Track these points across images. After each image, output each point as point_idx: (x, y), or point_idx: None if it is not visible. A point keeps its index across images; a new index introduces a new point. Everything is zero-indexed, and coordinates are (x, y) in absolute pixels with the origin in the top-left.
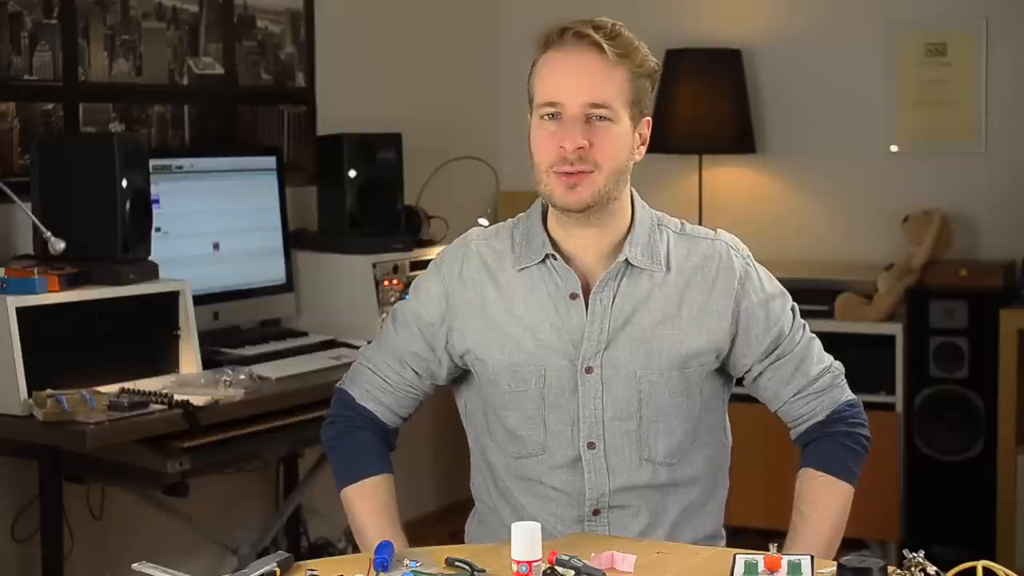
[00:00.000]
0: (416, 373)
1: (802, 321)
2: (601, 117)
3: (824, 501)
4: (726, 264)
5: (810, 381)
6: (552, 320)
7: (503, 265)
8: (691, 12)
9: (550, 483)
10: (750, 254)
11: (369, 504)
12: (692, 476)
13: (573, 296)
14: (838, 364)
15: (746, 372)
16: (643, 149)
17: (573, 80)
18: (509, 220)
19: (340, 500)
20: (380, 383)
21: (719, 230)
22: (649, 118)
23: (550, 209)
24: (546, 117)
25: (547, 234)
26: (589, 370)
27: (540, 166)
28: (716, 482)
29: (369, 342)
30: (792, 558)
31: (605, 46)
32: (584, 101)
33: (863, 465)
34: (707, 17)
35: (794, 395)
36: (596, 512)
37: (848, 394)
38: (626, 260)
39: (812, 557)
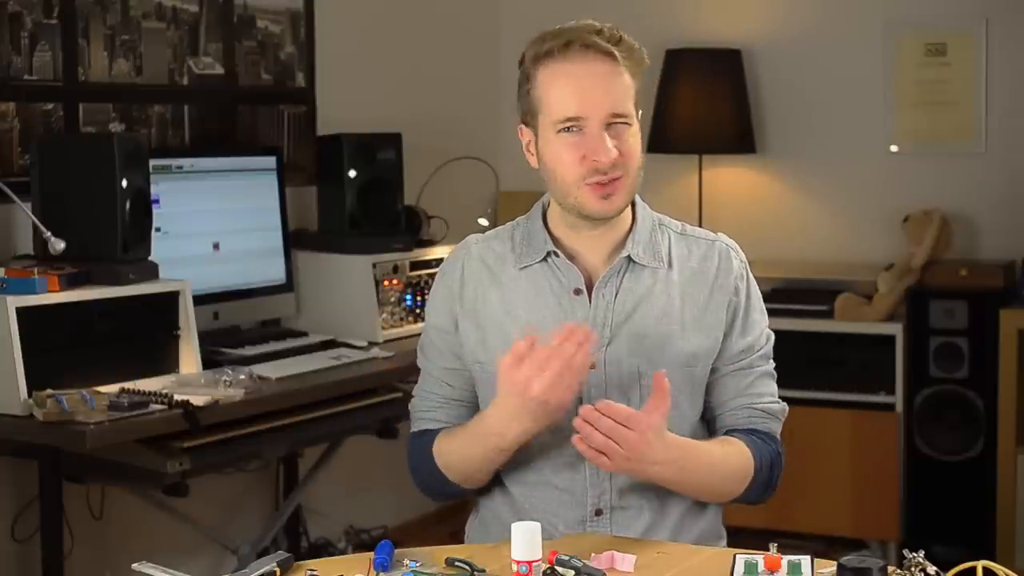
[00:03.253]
0: (451, 386)
1: (770, 353)
2: (621, 123)
3: (734, 461)
4: (725, 264)
5: (760, 399)
6: (556, 316)
7: (505, 266)
8: (691, 12)
9: (553, 483)
10: (746, 259)
11: (446, 447)
12: None
13: (577, 292)
14: (786, 405)
15: (711, 370)
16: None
17: (593, 93)
18: (508, 223)
19: (341, 500)
20: (428, 406)
21: (719, 233)
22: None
23: (552, 209)
24: (564, 131)
25: (548, 233)
26: (592, 366)
27: (567, 179)
28: None
29: (370, 343)
30: (792, 558)
31: (616, 53)
32: (606, 112)
33: (755, 494)
34: (707, 17)
35: (740, 406)
36: (598, 512)
37: (778, 434)
38: (628, 256)
39: (812, 557)
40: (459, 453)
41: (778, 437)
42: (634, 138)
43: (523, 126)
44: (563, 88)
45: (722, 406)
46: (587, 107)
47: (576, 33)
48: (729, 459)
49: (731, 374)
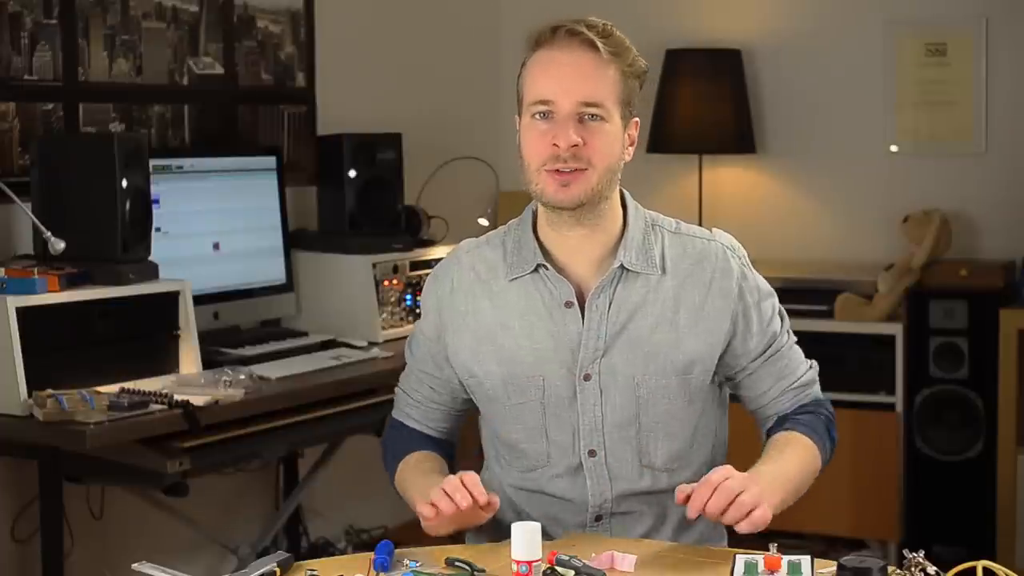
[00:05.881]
0: (432, 389)
1: (786, 318)
2: (593, 116)
3: (811, 465)
4: (723, 266)
5: (797, 377)
6: (548, 329)
7: (496, 275)
8: (691, 12)
9: (552, 492)
10: (745, 253)
11: (402, 469)
12: (692, 481)
13: (568, 304)
14: (815, 362)
15: (738, 371)
16: (632, 150)
17: (566, 79)
18: (501, 228)
19: (341, 500)
20: (408, 400)
21: (715, 229)
22: (638, 119)
23: (540, 213)
24: (537, 116)
25: (538, 242)
26: (587, 377)
27: (531, 165)
28: None
29: (370, 343)
30: (792, 558)
31: (599, 43)
32: (577, 99)
33: (826, 459)
34: (707, 17)
35: (782, 391)
36: (598, 518)
37: (821, 393)
38: (621, 265)
39: (812, 557)
40: (403, 493)
41: (821, 396)
42: (608, 136)
43: (517, 116)
44: (541, 72)
45: (764, 396)
46: (558, 91)
47: (567, 21)
48: (805, 455)
49: (763, 365)
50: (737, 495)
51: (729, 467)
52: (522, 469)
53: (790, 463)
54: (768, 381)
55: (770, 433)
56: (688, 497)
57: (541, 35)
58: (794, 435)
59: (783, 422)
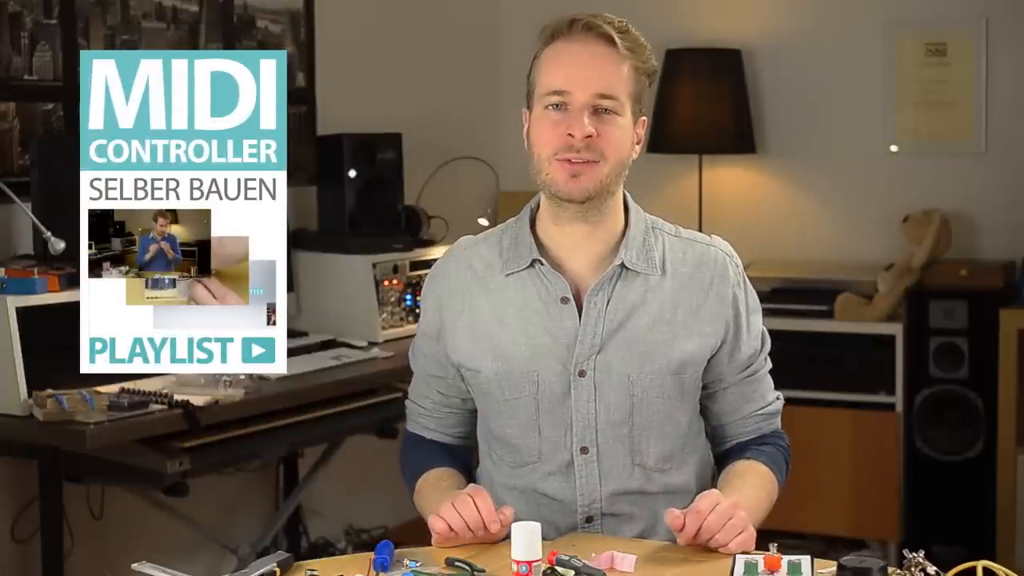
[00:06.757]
0: (441, 393)
1: (768, 343)
2: (607, 109)
3: (772, 499)
4: (722, 271)
5: (767, 403)
6: (545, 324)
7: (492, 271)
8: (691, 12)
9: (543, 491)
10: (741, 263)
11: (420, 488)
12: (684, 483)
13: (564, 300)
14: (781, 394)
15: (716, 381)
16: (639, 148)
17: (583, 69)
18: (499, 225)
19: (341, 500)
20: (419, 410)
21: (714, 236)
22: (645, 119)
23: (542, 208)
24: (550, 107)
25: (535, 239)
26: (582, 373)
27: (542, 154)
28: (706, 487)
29: (370, 343)
30: (792, 558)
31: (616, 38)
32: (592, 91)
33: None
34: (707, 17)
35: (750, 415)
36: (589, 520)
37: (780, 425)
38: (622, 263)
39: (812, 557)
40: (421, 511)
41: (781, 429)
42: (620, 131)
43: (525, 110)
44: (557, 63)
45: (733, 414)
46: (573, 82)
47: (583, 15)
48: (772, 490)
49: (739, 383)
50: (728, 519)
51: (715, 492)
52: (513, 464)
53: (761, 495)
54: (739, 401)
55: (727, 455)
56: (683, 522)
57: (557, 28)
58: (762, 468)
59: (744, 450)
